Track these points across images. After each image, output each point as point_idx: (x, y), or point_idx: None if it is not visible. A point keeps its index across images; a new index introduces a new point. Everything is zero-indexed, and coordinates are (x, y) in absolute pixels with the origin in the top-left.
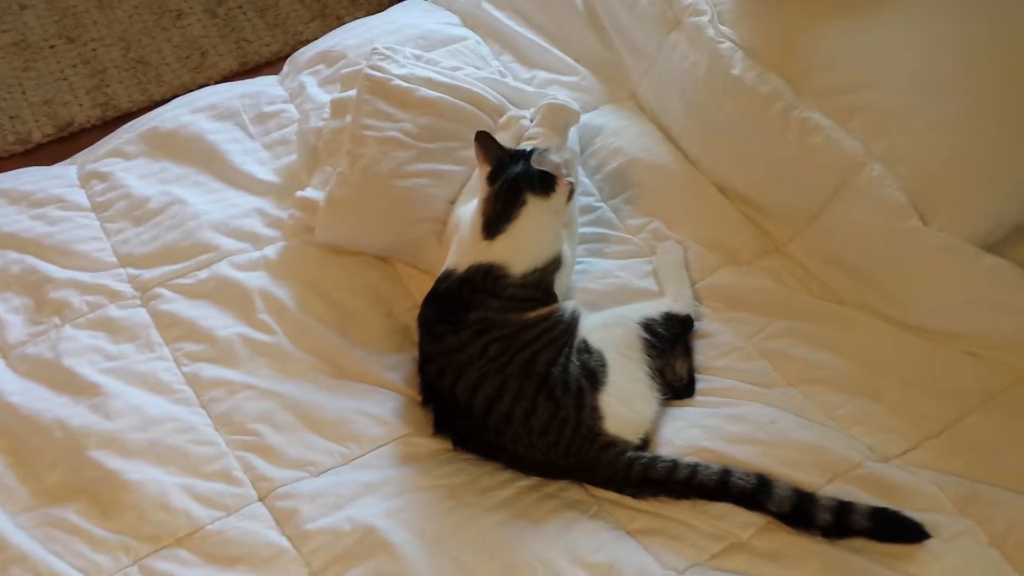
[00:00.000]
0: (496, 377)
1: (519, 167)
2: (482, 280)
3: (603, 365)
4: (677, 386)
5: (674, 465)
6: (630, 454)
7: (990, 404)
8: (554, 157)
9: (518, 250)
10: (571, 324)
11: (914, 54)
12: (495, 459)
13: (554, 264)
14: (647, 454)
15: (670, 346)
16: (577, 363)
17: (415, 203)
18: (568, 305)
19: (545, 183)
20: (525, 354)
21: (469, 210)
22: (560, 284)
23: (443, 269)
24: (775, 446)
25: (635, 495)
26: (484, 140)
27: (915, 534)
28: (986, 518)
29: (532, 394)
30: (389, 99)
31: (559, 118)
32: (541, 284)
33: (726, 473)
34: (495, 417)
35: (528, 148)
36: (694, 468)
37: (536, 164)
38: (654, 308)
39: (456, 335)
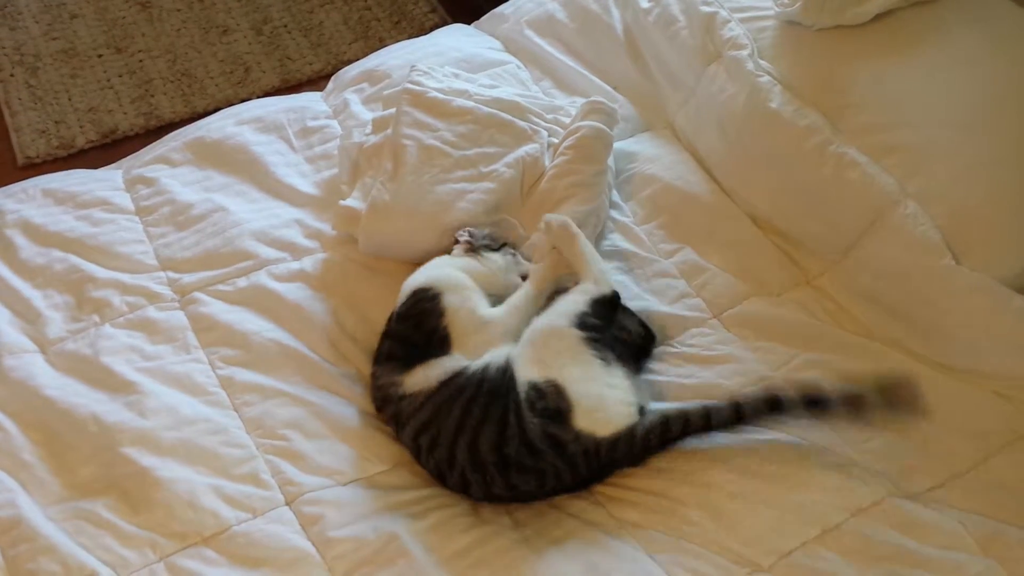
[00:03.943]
0: (452, 472)
1: None
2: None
3: (561, 393)
4: (639, 343)
5: (683, 415)
6: (639, 428)
7: (1017, 445)
8: None
9: None
10: (500, 385)
11: (950, 94)
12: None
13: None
14: (653, 417)
15: (608, 329)
16: (535, 421)
17: (455, 209)
18: (480, 363)
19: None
20: (463, 443)
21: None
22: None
23: None
24: (800, 476)
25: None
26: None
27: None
28: (1010, 558)
29: (501, 475)
30: (427, 110)
31: (602, 112)
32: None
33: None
34: (479, 496)
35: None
36: (706, 411)
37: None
38: (580, 300)
39: (390, 422)
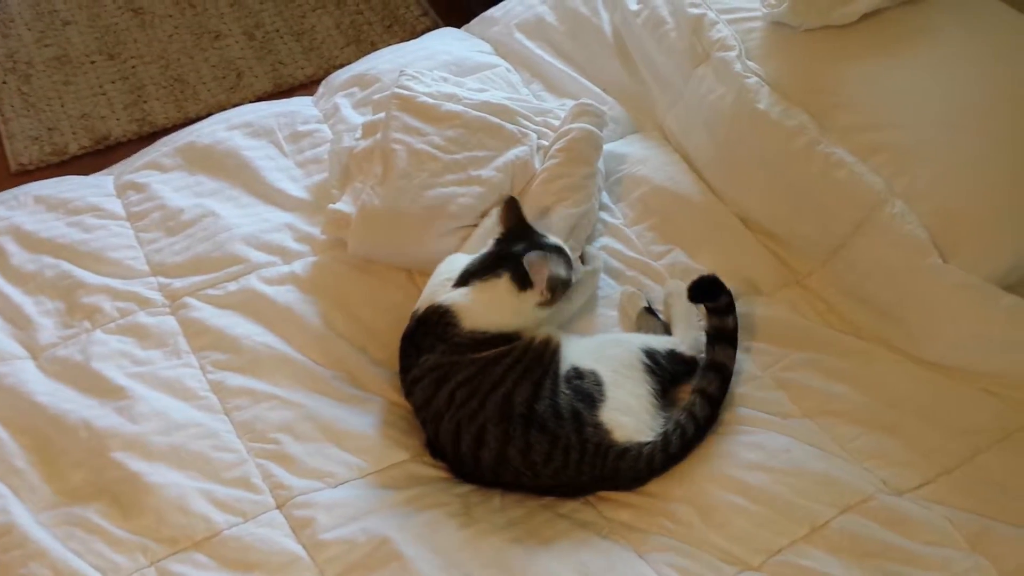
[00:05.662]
0: (471, 425)
1: (521, 247)
2: (435, 323)
3: (599, 384)
4: (696, 419)
5: (679, 428)
6: (647, 447)
7: (1005, 442)
8: (553, 267)
9: (471, 308)
10: (544, 353)
11: (937, 94)
12: (495, 487)
13: (508, 337)
14: (655, 440)
15: (670, 380)
16: (567, 391)
17: (445, 213)
18: (539, 334)
19: (525, 279)
20: (497, 396)
21: (460, 259)
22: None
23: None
24: (789, 475)
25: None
26: (510, 205)
27: None
28: (998, 555)
29: (521, 433)
30: (417, 114)
31: (592, 114)
32: (493, 342)
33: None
34: (486, 461)
35: (543, 241)
36: (697, 416)
37: (526, 261)
38: (659, 342)
39: (421, 388)
